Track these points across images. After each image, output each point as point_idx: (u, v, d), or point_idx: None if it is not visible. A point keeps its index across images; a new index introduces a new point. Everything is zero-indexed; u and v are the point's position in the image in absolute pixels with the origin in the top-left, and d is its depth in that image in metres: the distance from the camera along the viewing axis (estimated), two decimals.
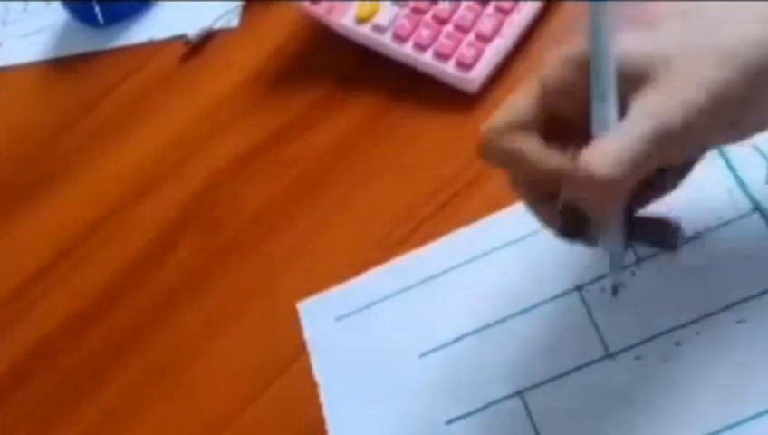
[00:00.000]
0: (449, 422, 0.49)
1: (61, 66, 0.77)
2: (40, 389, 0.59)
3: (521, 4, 0.61)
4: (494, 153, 0.43)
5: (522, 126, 0.42)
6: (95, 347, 0.60)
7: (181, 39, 0.73)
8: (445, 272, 0.54)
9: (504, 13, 0.61)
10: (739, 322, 0.46)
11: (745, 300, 0.47)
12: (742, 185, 0.50)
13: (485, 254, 0.53)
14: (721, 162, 0.51)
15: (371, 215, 0.58)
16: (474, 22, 0.61)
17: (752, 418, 0.44)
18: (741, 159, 0.50)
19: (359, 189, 0.60)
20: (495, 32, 0.61)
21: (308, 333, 0.55)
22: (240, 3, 0.73)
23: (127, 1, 0.76)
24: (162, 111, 0.70)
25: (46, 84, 0.77)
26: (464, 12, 0.62)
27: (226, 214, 0.62)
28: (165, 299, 0.60)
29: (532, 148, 0.42)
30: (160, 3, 0.77)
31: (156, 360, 0.58)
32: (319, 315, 0.55)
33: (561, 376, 0.48)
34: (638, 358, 0.47)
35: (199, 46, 0.72)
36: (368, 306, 0.54)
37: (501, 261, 0.53)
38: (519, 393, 0.48)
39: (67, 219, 0.66)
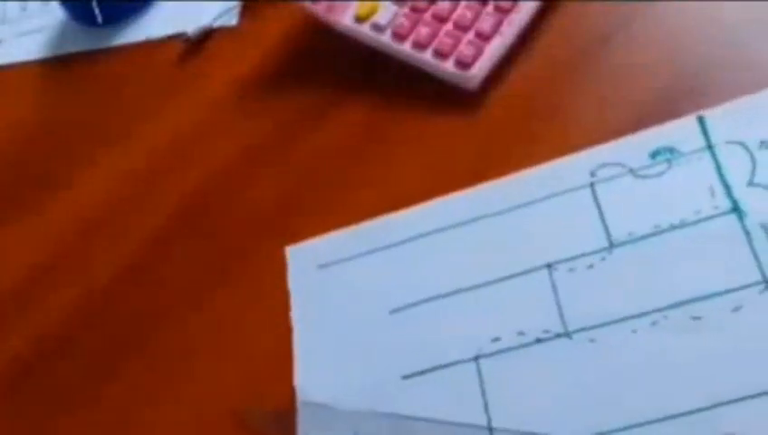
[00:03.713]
0: (405, 377, 0.50)
1: (59, 65, 0.77)
2: (36, 390, 0.59)
3: (520, 3, 0.61)
4: None
5: None
6: (94, 348, 0.60)
7: (180, 38, 0.72)
8: (428, 234, 0.55)
9: (504, 12, 0.61)
10: (694, 318, 0.47)
11: (704, 298, 0.48)
12: (725, 184, 0.50)
13: (468, 222, 0.55)
14: (708, 158, 0.51)
15: (371, 214, 0.58)
16: (473, 20, 0.61)
17: (688, 413, 0.45)
18: (728, 157, 0.51)
19: (358, 189, 0.60)
20: (495, 30, 0.61)
21: (291, 279, 0.56)
22: (239, 2, 0.73)
23: (125, 0, 0.76)
24: (161, 110, 0.70)
25: (44, 83, 0.77)
26: (463, 10, 0.62)
27: (226, 214, 0.62)
28: (164, 300, 0.60)
29: None
30: (159, 2, 0.77)
31: (154, 361, 0.57)
32: (303, 262, 0.57)
33: (517, 347, 0.49)
34: (592, 341, 0.48)
35: (198, 45, 0.72)
36: (350, 258, 0.56)
37: (480, 231, 0.54)
38: (475, 359, 0.50)
39: (66, 218, 0.66)
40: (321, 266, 0.56)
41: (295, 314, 0.55)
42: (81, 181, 0.68)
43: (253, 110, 0.67)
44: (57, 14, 0.78)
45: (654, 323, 0.48)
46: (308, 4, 0.64)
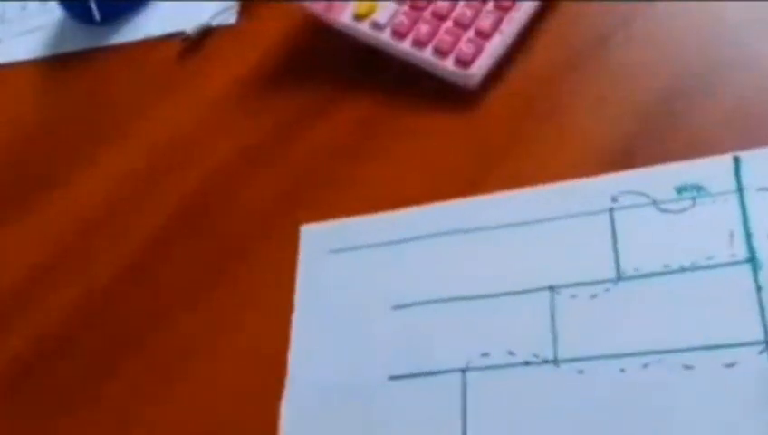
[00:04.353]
0: (392, 378, 0.51)
1: (57, 64, 0.76)
2: (36, 390, 0.59)
3: (520, 1, 0.61)
4: None
5: None
6: (94, 348, 0.60)
7: (178, 37, 0.72)
8: (443, 234, 0.55)
9: (504, 10, 0.61)
10: (687, 367, 0.46)
11: (700, 349, 0.46)
12: (747, 232, 0.49)
13: (483, 229, 0.54)
14: (735, 201, 0.50)
15: (370, 212, 0.58)
16: (473, 18, 0.61)
17: None
18: (757, 203, 0.49)
19: (358, 187, 0.60)
20: (495, 28, 0.61)
21: (301, 259, 0.56)
22: (238, 0, 0.73)
23: None
24: (160, 109, 0.70)
25: (43, 82, 0.76)
26: (463, 8, 0.62)
27: (225, 213, 0.62)
28: (164, 300, 0.60)
29: None
30: (157, 1, 0.76)
31: (154, 361, 0.57)
32: (316, 244, 0.57)
33: (504, 367, 0.49)
34: (580, 372, 0.47)
35: (197, 44, 0.72)
36: (362, 247, 0.56)
37: (494, 240, 0.53)
38: (462, 371, 0.49)
39: (66, 218, 0.66)
40: (334, 251, 0.56)
41: (299, 297, 0.55)
42: (81, 181, 0.68)
43: (252, 108, 0.67)
44: (56, 13, 0.78)
45: (645, 366, 0.46)
46: (307, 3, 0.64)
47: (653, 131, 0.54)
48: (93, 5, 0.75)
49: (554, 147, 0.56)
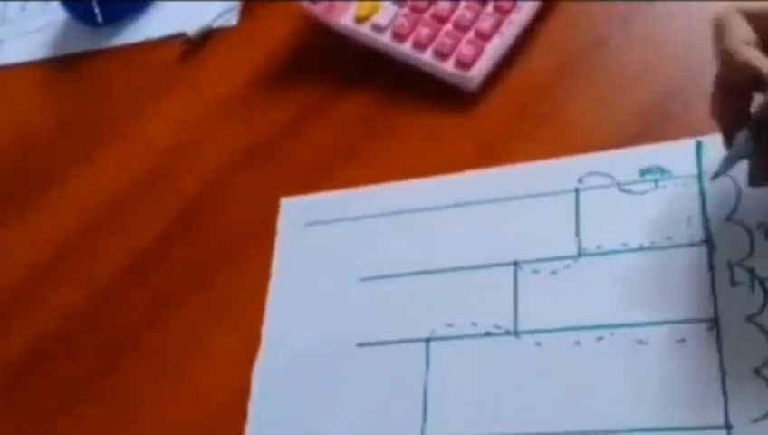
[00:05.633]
0: (360, 345, 0.52)
1: (59, 65, 0.77)
2: (36, 390, 0.59)
3: (520, 3, 0.61)
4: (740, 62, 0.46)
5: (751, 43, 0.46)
6: (94, 348, 0.60)
7: (180, 38, 0.72)
8: (412, 211, 0.56)
9: (504, 12, 0.61)
10: (639, 342, 0.47)
11: (654, 324, 0.47)
12: (704, 215, 0.50)
13: (451, 206, 0.56)
14: (695, 185, 0.51)
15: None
16: (473, 21, 0.61)
17: (614, 432, 0.46)
18: (715, 189, 0.50)
19: (358, 186, 0.60)
20: (495, 30, 0.61)
21: (279, 232, 0.58)
22: (239, 2, 0.73)
23: (126, 0, 0.76)
24: (160, 110, 0.70)
25: (44, 83, 0.77)
26: (463, 11, 0.62)
27: (226, 213, 0.62)
28: (164, 299, 0.60)
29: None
30: (159, 2, 0.77)
31: (154, 361, 0.58)
32: (294, 217, 0.59)
33: (467, 337, 0.50)
34: (538, 344, 0.49)
35: (198, 45, 0.72)
36: (337, 221, 0.57)
37: (461, 216, 0.55)
38: (427, 340, 0.51)
39: (66, 219, 0.66)
40: (310, 224, 0.58)
41: (276, 267, 0.57)
42: (81, 181, 0.68)
43: (252, 110, 0.67)
44: (57, 14, 0.78)
45: (600, 339, 0.48)
46: (307, 5, 0.64)
47: (651, 132, 0.54)
48: (96, 7, 0.75)
49: (553, 147, 0.56)
